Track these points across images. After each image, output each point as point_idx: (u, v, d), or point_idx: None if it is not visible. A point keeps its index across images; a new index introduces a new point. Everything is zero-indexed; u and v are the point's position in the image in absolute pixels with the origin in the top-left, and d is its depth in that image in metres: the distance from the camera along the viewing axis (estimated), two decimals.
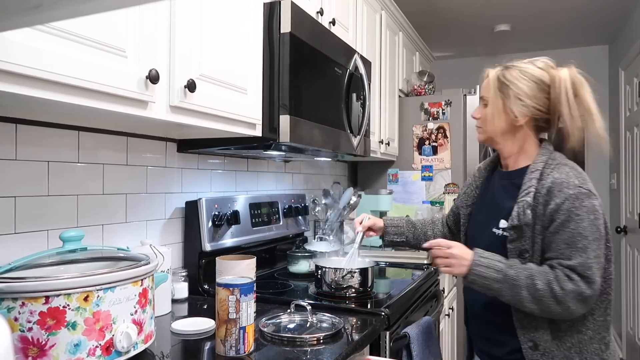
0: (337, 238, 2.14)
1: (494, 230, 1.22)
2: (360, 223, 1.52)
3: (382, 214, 2.58)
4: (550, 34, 4.06)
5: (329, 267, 1.54)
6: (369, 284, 1.57)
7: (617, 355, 1.19)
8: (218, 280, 1.06)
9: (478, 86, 2.91)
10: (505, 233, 1.19)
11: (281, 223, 2.00)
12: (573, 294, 1.08)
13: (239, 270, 1.31)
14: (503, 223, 1.20)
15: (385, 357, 1.38)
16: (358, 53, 1.92)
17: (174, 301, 1.47)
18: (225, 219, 1.64)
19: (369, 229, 1.53)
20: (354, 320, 1.33)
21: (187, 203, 1.62)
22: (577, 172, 1.17)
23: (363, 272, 1.54)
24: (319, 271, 1.56)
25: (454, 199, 1.56)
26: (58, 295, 0.83)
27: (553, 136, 1.26)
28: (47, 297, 0.82)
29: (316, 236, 2.19)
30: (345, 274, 1.51)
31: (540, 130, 1.26)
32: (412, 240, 1.54)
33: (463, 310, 1.65)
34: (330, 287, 1.53)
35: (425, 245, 1.27)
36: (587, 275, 1.08)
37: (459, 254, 1.18)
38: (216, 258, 1.32)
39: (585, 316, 1.13)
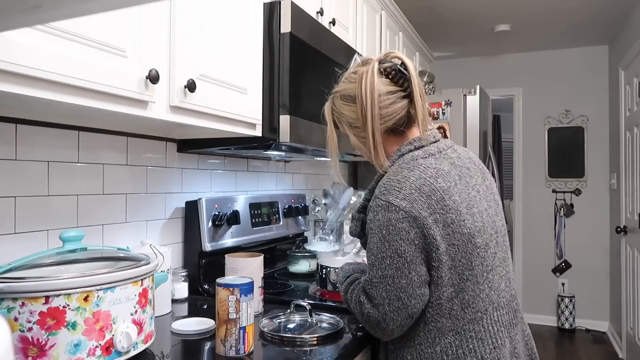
0: (337, 238, 2.14)
1: None
2: None
3: None
4: (550, 34, 4.06)
5: (334, 267, 1.54)
6: None
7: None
8: (218, 280, 1.06)
9: (478, 86, 2.91)
10: None
11: (281, 223, 2.00)
12: (367, 321, 1.01)
13: (253, 270, 1.33)
14: None
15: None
16: (358, 53, 1.92)
17: (174, 301, 1.47)
18: (225, 219, 1.64)
19: None
20: (354, 320, 1.33)
21: (187, 203, 1.62)
22: (391, 179, 0.99)
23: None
24: (323, 270, 1.56)
25: None
26: (58, 295, 0.83)
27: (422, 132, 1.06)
28: (47, 297, 0.82)
29: (316, 236, 2.19)
30: None
31: (401, 134, 1.08)
32: None
33: None
34: (335, 287, 1.53)
35: None
36: (371, 294, 0.98)
37: None
38: (225, 255, 1.37)
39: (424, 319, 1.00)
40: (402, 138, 1.08)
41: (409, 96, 1.05)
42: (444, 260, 0.95)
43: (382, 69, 1.05)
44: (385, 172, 1.05)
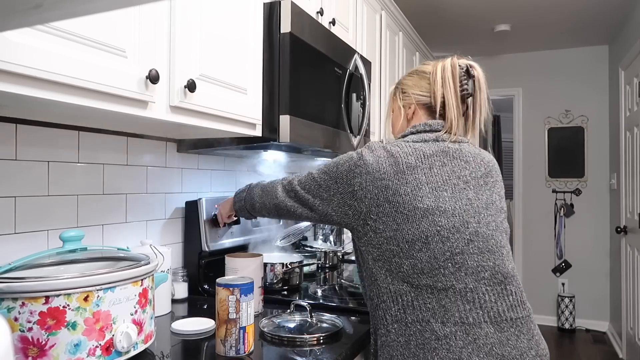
0: (337, 238, 2.14)
1: None
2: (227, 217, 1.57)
3: None
4: (550, 34, 4.06)
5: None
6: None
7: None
8: (218, 280, 1.06)
9: None
10: None
11: (281, 223, 2.00)
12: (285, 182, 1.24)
13: (253, 270, 1.33)
14: None
15: None
16: (358, 53, 1.92)
17: (174, 301, 1.47)
18: None
19: (229, 216, 1.57)
20: (354, 320, 1.33)
21: (187, 203, 1.62)
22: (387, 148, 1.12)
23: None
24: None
25: None
26: (58, 295, 0.83)
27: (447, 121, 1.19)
28: (47, 297, 0.82)
29: (317, 236, 2.19)
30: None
31: (435, 117, 1.22)
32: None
33: None
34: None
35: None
36: (303, 180, 1.19)
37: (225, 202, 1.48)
38: (225, 255, 1.38)
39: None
40: (426, 118, 1.22)
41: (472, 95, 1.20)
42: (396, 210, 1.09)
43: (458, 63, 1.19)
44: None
